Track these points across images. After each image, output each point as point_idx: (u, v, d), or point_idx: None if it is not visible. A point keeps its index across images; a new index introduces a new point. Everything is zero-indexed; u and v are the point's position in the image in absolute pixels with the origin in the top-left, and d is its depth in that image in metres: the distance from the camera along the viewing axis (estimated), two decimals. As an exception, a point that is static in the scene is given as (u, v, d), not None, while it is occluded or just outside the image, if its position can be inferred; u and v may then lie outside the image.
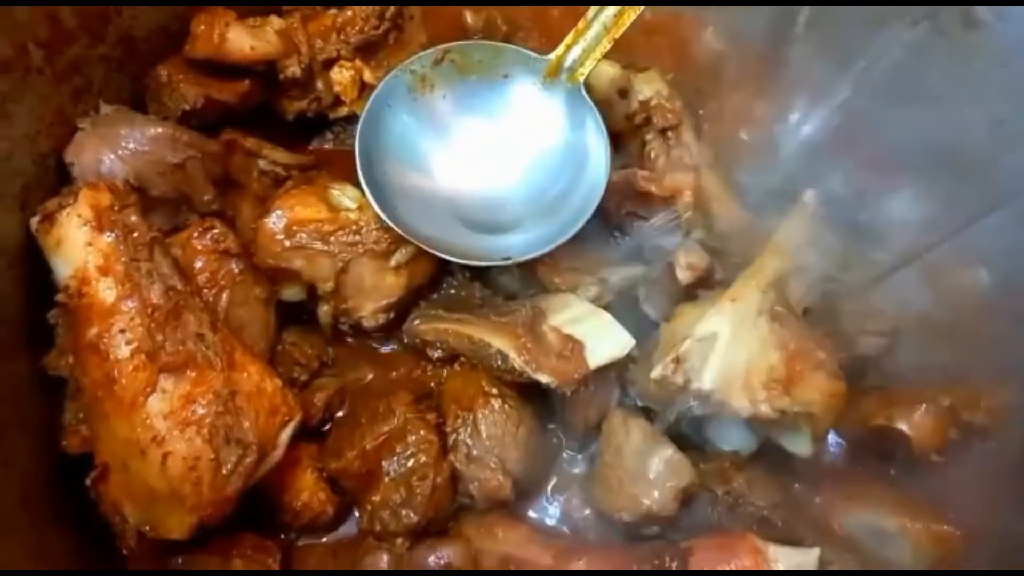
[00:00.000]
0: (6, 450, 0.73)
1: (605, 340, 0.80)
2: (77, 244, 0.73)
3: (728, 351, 0.76)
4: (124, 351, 0.70)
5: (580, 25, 0.86)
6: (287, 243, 0.84)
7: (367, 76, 0.94)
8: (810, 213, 0.85)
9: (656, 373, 0.77)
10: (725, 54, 1.03)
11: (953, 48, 0.85)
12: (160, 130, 0.85)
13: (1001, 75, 0.84)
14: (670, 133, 0.95)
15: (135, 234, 0.75)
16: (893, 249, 0.87)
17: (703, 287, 0.86)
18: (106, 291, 0.72)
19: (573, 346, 0.79)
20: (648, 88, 0.96)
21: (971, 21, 0.84)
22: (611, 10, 0.84)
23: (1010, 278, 0.82)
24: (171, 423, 0.69)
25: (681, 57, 1.05)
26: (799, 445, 0.77)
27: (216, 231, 0.84)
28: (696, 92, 1.01)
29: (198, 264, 0.82)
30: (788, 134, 0.94)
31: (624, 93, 0.96)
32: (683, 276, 0.85)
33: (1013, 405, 0.79)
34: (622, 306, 0.87)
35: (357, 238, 0.83)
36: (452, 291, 0.90)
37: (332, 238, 0.83)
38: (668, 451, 0.77)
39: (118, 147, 0.83)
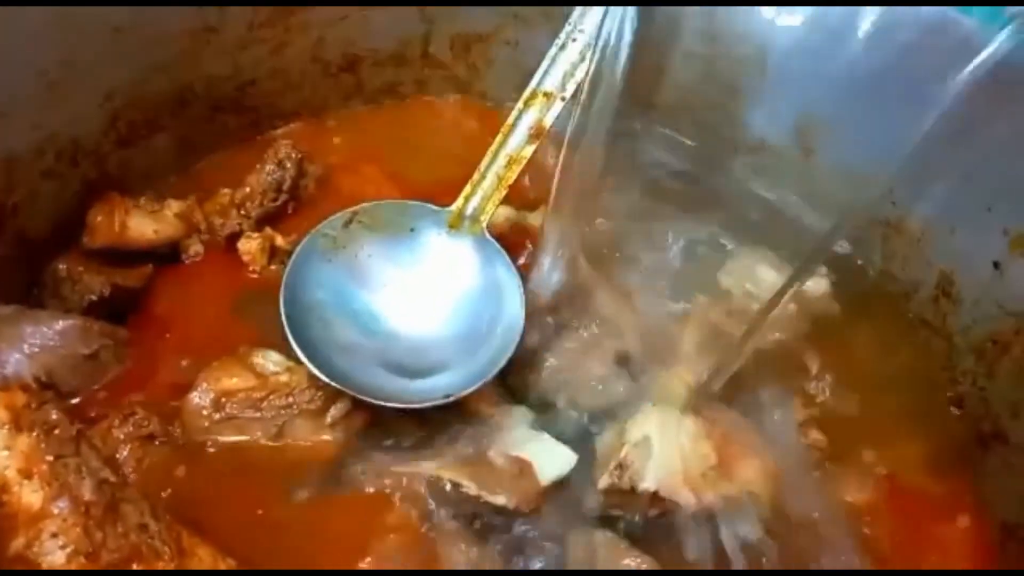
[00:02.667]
0: None
1: (551, 458, 0.82)
2: (-6, 450, 0.68)
3: (662, 450, 0.81)
4: (59, 556, 0.65)
5: (475, 176, 0.95)
6: (216, 416, 0.82)
7: (279, 242, 0.96)
8: (707, 314, 0.94)
9: (603, 483, 0.80)
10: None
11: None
12: (69, 323, 0.83)
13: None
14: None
15: (57, 430, 0.71)
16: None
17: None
18: (31, 495, 0.67)
19: (523, 467, 0.80)
20: (539, 222, 1.04)
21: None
22: (502, 159, 0.94)
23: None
24: (121, 627, 0.63)
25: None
26: (749, 529, 0.81)
27: (137, 416, 0.81)
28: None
29: (123, 454, 0.79)
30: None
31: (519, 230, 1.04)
32: None
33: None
34: (549, 427, 0.91)
35: (290, 399, 0.83)
36: (387, 440, 0.89)
37: (264, 404, 0.82)
38: (630, 559, 0.79)
39: (23, 346, 0.80)
